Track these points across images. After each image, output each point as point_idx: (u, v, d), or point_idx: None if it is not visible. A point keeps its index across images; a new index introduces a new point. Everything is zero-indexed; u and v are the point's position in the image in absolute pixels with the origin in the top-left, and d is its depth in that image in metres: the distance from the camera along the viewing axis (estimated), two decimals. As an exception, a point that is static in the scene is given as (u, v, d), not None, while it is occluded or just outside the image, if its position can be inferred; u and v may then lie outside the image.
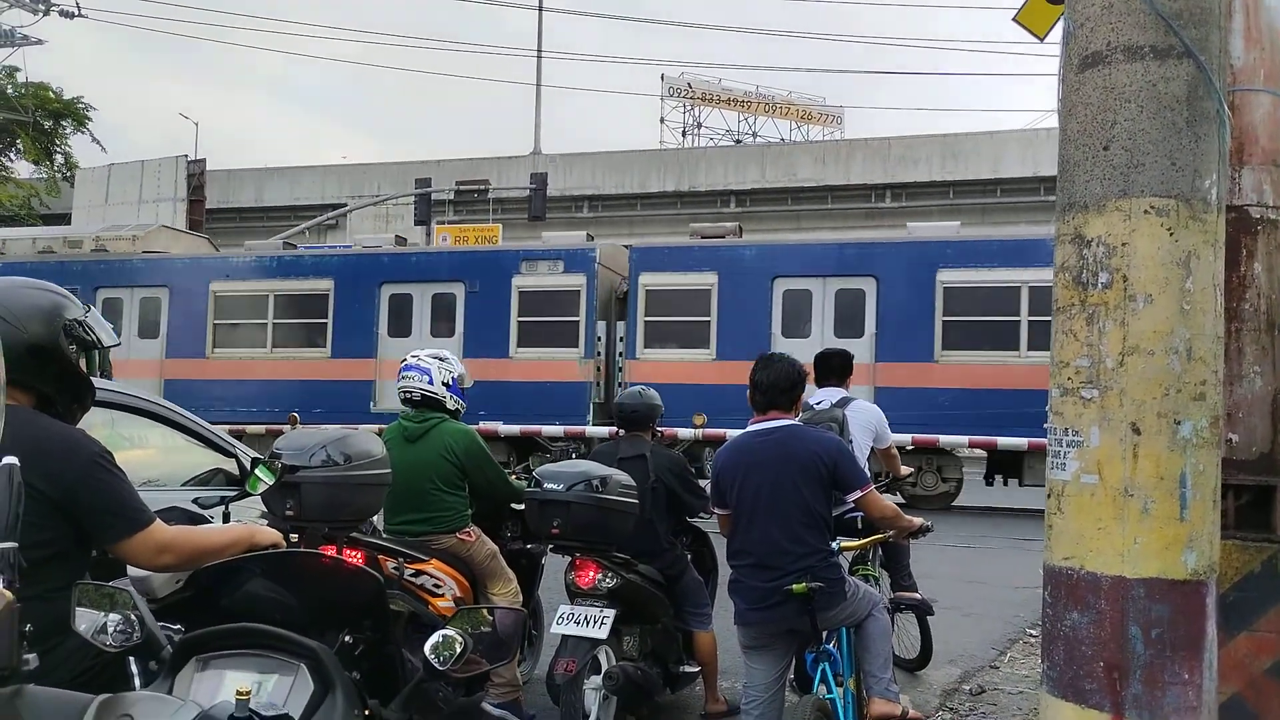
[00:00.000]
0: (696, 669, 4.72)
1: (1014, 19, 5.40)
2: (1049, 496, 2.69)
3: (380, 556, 3.89)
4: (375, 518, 4.11)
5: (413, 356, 4.62)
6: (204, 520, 3.16)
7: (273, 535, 2.49)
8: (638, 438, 4.96)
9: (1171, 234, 2.47)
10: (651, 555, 4.60)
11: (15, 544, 1.67)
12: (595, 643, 4.13)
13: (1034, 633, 6.48)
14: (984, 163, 28.25)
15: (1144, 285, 2.48)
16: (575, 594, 4.27)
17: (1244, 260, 4.01)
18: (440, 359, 4.60)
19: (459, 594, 4.24)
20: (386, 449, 3.20)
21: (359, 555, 3.67)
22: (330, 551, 3.39)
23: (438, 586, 4.18)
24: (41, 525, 2.09)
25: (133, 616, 1.91)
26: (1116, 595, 2.51)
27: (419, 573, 4.12)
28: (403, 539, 4.27)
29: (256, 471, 2.91)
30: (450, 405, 4.54)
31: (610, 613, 4.15)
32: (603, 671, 4.21)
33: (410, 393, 4.52)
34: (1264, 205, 4.05)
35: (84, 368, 2.29)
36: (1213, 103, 2.49)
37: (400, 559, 3.95)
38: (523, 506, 4.75)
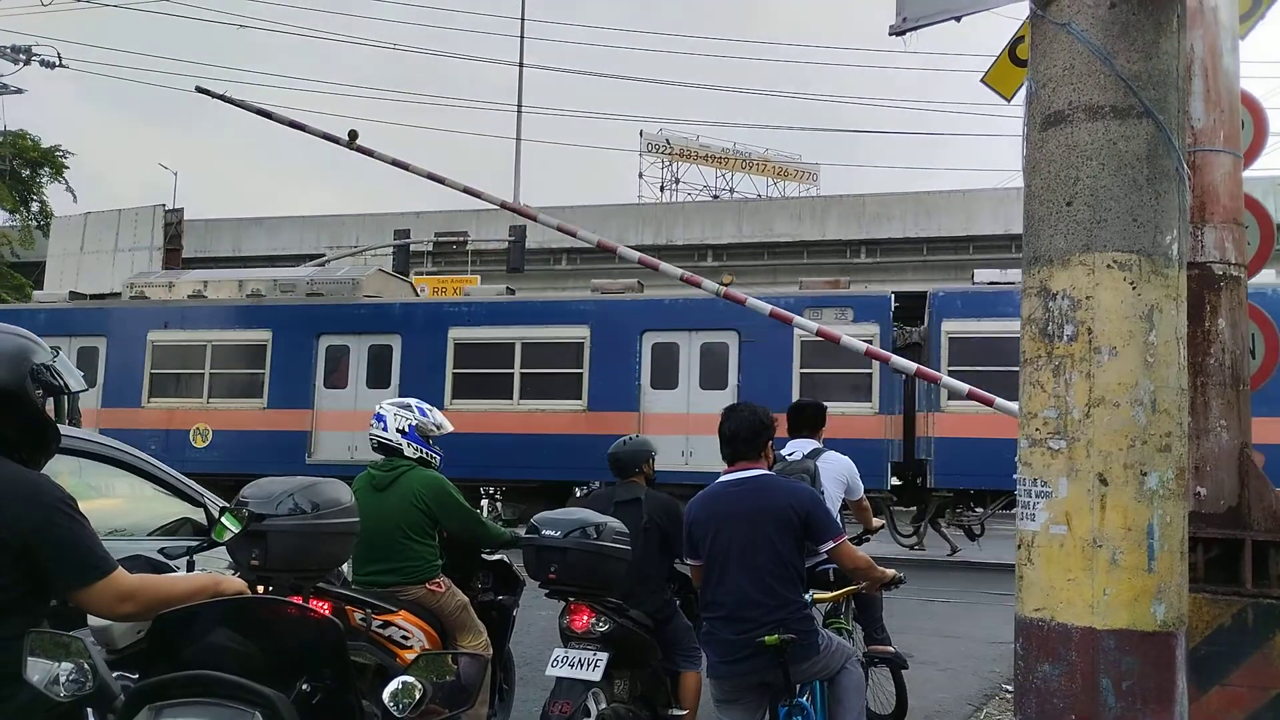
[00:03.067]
0: (683, 713, 4.69)
1: (982, 80, 5.56)
2: (1019, 547, 2.70)
3: (347, 607, 3.86)
4: (344, 568, 4.07)
5: (380, 405, 4.70)
6: (168, 570, 3.13)
7: (238, 584, 2.45)
8: (632, 483, 5.07)
9: (1134, 288, 2.51)
10: (642, 599, 4.61)
11: None
12: (588, 685, 4.21)
13: (1010, 688, 6.44)
14: (956, 220, 28.72)
15: (1108, 338, 2.52)
16: (569, 637, 4.33)
17: (1208, 316, 4.09)
18: (400, 406, 4.64)
19: (427, 645, 4.23)
20: (355, 498, 3.16)
21: (325, 606, 3.62)
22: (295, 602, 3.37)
23: (406, 638, 4.16)
24: (1, 571, 2.05)
25: (86, 665, 1.87)
26: (1087, 647, 2.51)
27: (387, 624, 4.10)
28: (371, 589, 4.25)
29: (223, 519, 2.85)
30: (408, 452, 4.55)
31: (603, 656, 4.22)
32: (594, 714, 4.28)
33: (373, 440, 4.60)
34: (1226, 262, 4.15)
35: (51, 413, 2.28)
36: (1172, 161, 2.56)
37: (368, 610, 3.93)
38: (496, 556, 4.80)
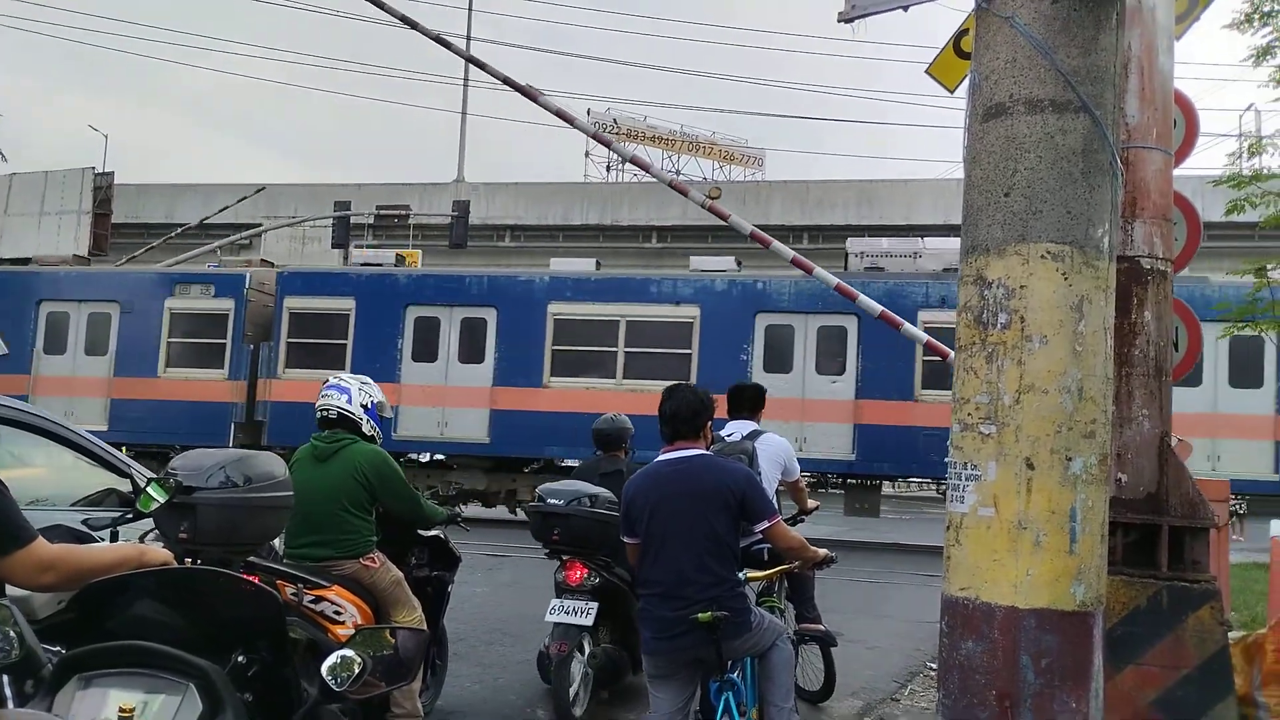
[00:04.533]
0: None
1: (926, 71, 5.64)
2: (948, 528, 2.77)
3: (279, 582, 3.74)
4: (276, 542, 3.99)
5: (334, 376, 4.61)
6: (91, 540, 3.02)
7: (163, 555, 2.40)
8: (615, 456, 5.92)
9: (1066, 279, 2.58)
10: (624, 558, 4.70)
11: None
12: (581, 629, 5.02)
13: (934, 666, 6.60)
14: (898, 208, 29.12)
15: (1040, 326, 2.59)
16: (564, 590, 5.10)
17: (1135, 308, 4.22)
18: (363, 381, 4.60)
19: (360, 621, 4.19)
20: (291, 470, 3.09)
21: (254, 580, 3.36)
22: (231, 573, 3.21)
23: (338, 613, 4.13)
24: None
25: (12, 633, 1.82)
26: (1009, 625, 2.59)
27: (319, 599, 4.07)
28: (303, 564, 4.19)
29: (148, 489, 2.77)
30: (365, 429, 4.52)
31: (594, 605, 5.02)
32: (587, 653, 5.09)
33: (327, 410, 4.48)
34: (1154, 257, 4.28)
35: None
36: (1106, 155, 2.63)
37: (299, 585, 3.90)
38: (433, 533, 4.94)
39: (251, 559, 3.36)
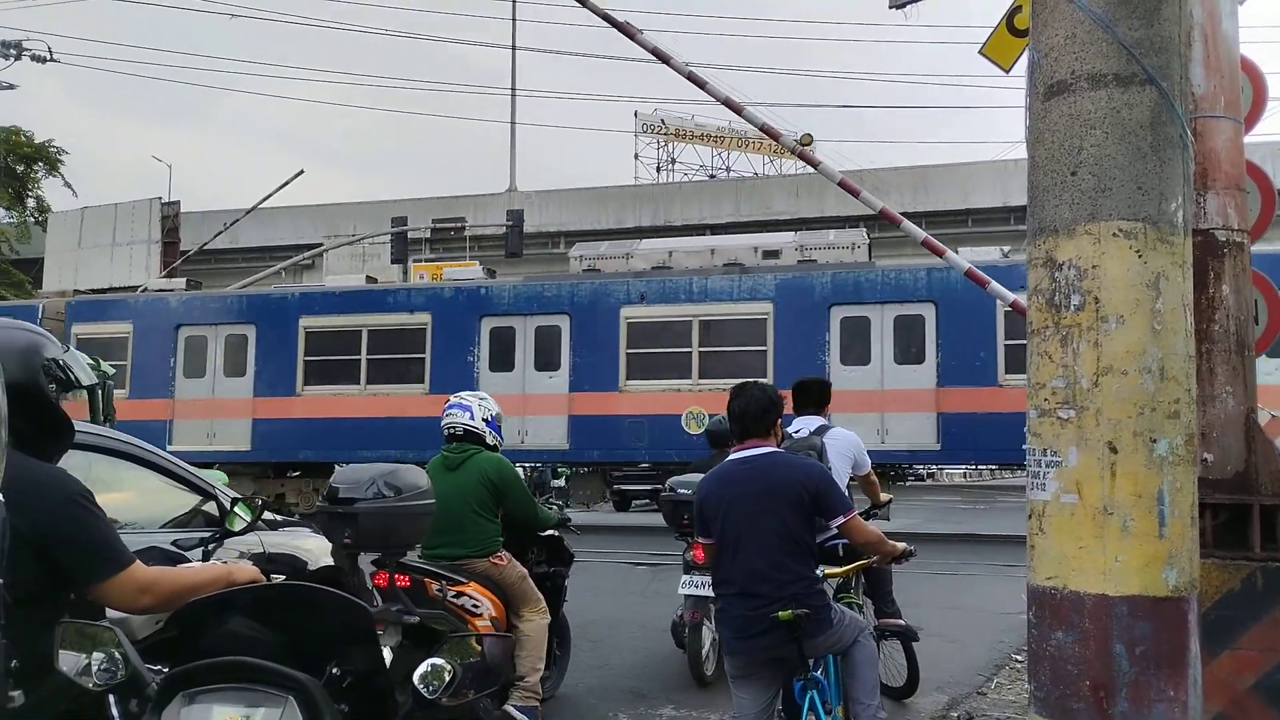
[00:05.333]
0: None
1: (980, 52, 5.53)
2: (1030, 517, 2.72)
3: (425, 580, 4.40)
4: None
5: (456, 396, 5.12)
6: (183, 561, 3.13)
7: (251, 573, 2.48)
8: (724, 453, 6.47)
9: (1140, 256, 2.52)
10: None
11: (2, 581, 1.64)
12: (708, 600, 5.57)
13: (1019, 658, 6.48)
14: (954, 193, 28.63)
15: (1115, 306, 2.53)
16: (692, 567, 5.88)
17: (1212, 283, 4.09)
18: (481, 398, 5.10)
19: (494, 614, 4.66)
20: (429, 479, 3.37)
21: (406, 580, 4.21)
22: (382, 578, 4.06)
23: (476, 607, 4.60)
24: (18, 565, 1.98)
25: (117, 654, 1.89)
26: (1100, 613, 2.53)
27: (460, 594, 4.56)
28: (439, 563, 4.62)
29: (236, 509, 2.88)
30: (489, 440, 4.99)
31: None
32: (712, 622, 5.64)
33: (453, 428, 4.98)
34: (1229, 228, 4.15)
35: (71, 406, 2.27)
36: (1175, 128, 2.56)
37: (443, 581, 4.48)
38: (549, 532, 5.44)
39: (402, 560, 4.00)
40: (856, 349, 14.38)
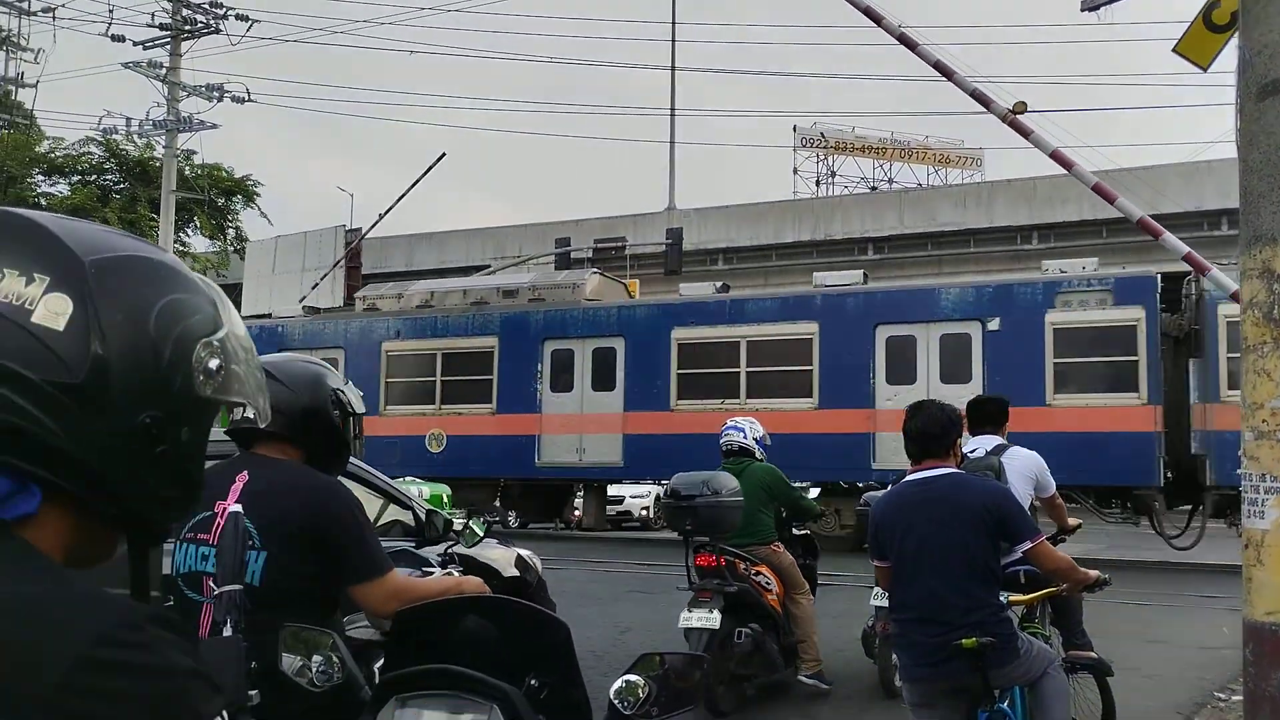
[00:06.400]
0: None
1: (1174, 50, 5.21)
2: (1246, 547, 2.54)
3: (736, 560, 5.69)
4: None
5: (731, 419, 6.60)
6: (427, 564, 3.75)
7: (477, 584, 2.71)
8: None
9: (1373, 265, 2.32)
10: None
11: (240, 586, 1.79)
12: None
13: (1222, 696, 6.02)
14: (1140, 198, 26.94)
15: (1345, 320, 2.33)
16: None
17: None
18: (750, 422, 6.52)
19: (778, 592, 5.89)
20: None
21: (721, 560, 5.58)
22: (707, 559, 5.56)
23: (768, 584, 5.82)
24: (301, 564, 2.34)
25: (335, 658, 2.01)
26: (1330, 654, 2.33)
27: (758, 573, 5.81)
28: (730, 549, 5.76)
29: (472, 524, 3.57)
30: (758, 454, 6.32)
31: None
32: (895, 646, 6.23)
33: (730, 444, 6.35)
34: None
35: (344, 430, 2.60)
36: None
37: (747, 563, 5.74)
38: (804, 531, 6.69)
39: (722, 545, 5.59)
40: (564, 378, 16.48)
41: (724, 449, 6.33)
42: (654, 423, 15.75)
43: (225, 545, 2.28)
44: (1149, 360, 13.00)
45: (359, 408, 2.65)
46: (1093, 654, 5.03)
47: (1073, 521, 5.47)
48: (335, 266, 24.36)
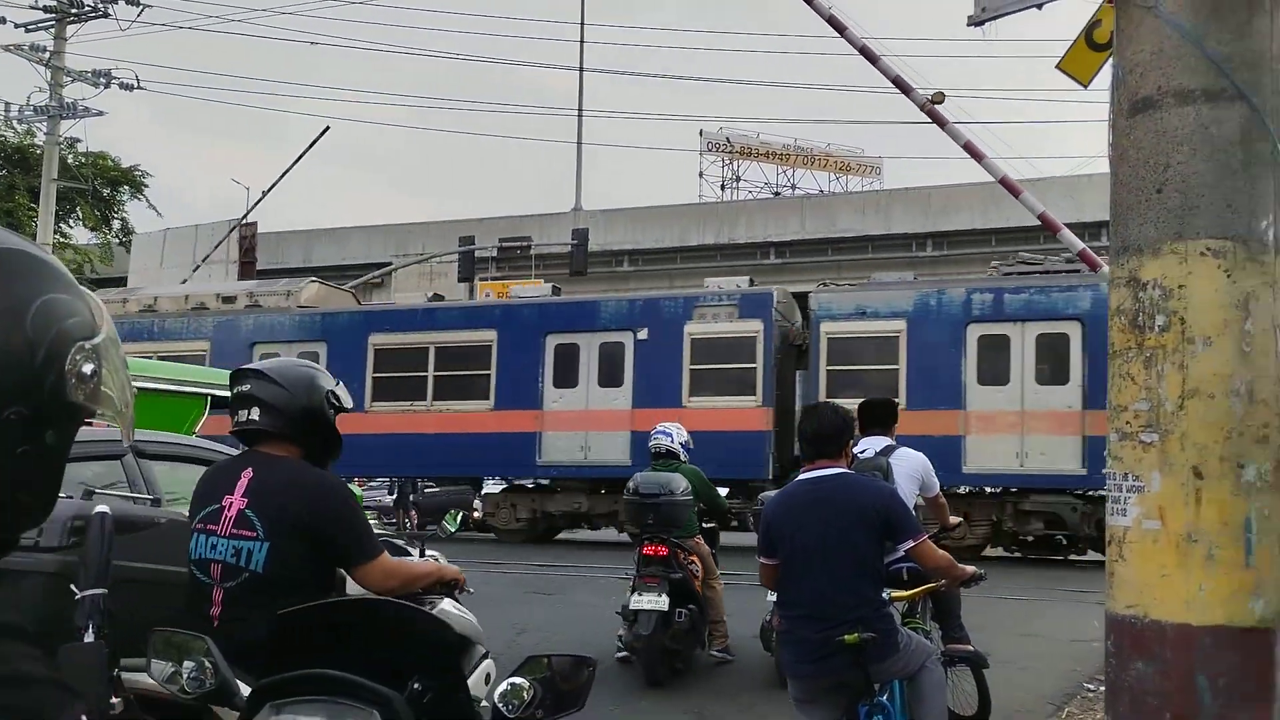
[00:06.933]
0: None
1: (1057, 67, 5.43)
2: (1110, 543, 2.65)
3: (678, 550, 6.38)
4: None
5: (661, 424, 7.26)
6: (407, 554, 3.92)
7: (454, 571, 3.04)
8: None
9: (1229, 276, 2.45)
10: None
11: (105, 590, 1.71)
12: None
13: (1091, 687, 6.29)
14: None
15: (1202, 328, 2.46)
16: None
17: (1302, 303, 3.96)
18: (677, 428, 7.21)
19: (700, 575, 6.57)
20: None
21: (664, 550, 6.26)
22: (654, 549, 6.24)
23: (696, 571, 6.53)
24: (301, 553, 2.61)
25: (207, 664, 1.94)
26: (1182, 644, 2.46)
27: (691, 561, 6.50)
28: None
29: (446, 518, 4.06)
30: (683, 456, 7.04)
31: None
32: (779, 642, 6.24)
33: (658, 446, 7.05)
34: (1320, 247, 4.01)
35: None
36: (1267, 144, 2.49)
37: (685, 553, 6.45)
38: (710, 524, 7.38)
39: (665, 537, 6.27)
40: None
41: (653, 451, 7.05)
42: (350, 424, 16.16)
43: (91, 547, 2.18)
44: (764, 367, 14.61)
45: (348, 404, 2.89)
46: (970, 647, 5.20)
47: (953, 520, 5.65)
48: (205, 262, 23.56)
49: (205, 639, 2.00)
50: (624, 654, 6.51)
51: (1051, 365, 13.37)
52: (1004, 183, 7.08)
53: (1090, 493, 12.50)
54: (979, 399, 13.46)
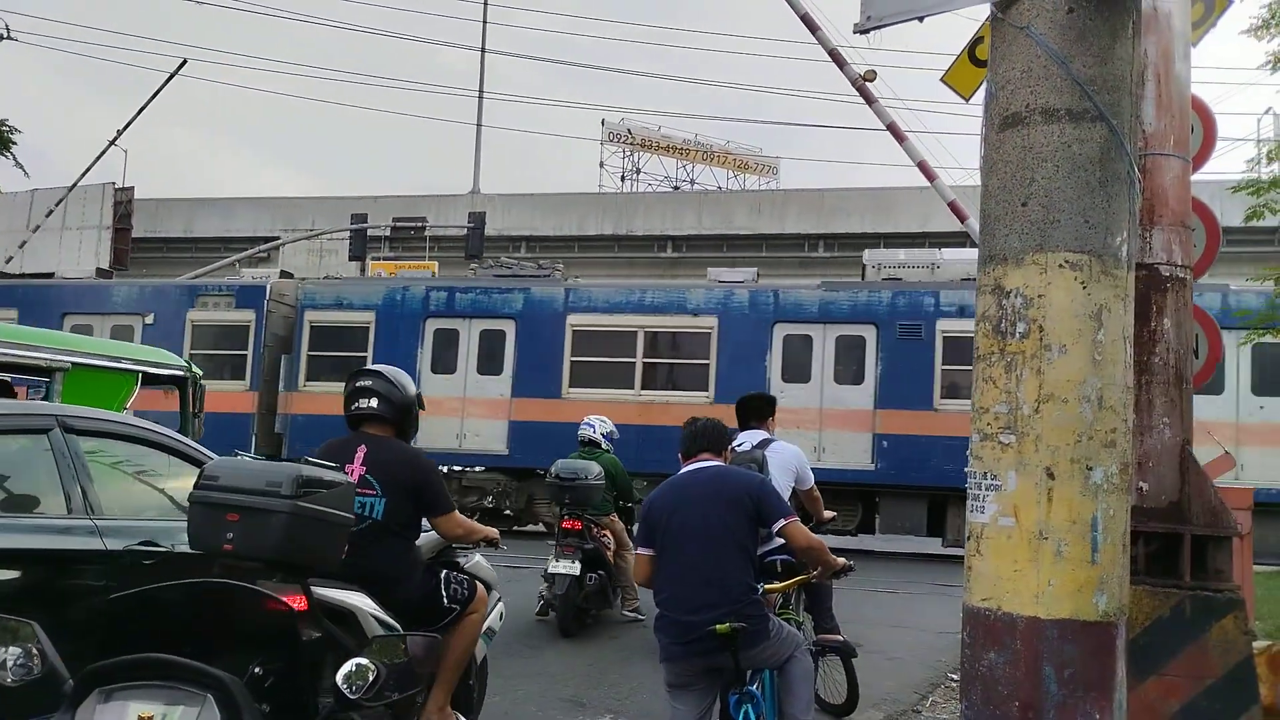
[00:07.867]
0: None
1: (942, 80, 5.63)
2: (969, 538, 2.76)
3: (592, 525, 7.56)
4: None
5: (588, 417, 8.41)
6: None
7: (495, 533, 4.07)
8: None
9: (1084, 287, 2.58)
10: None
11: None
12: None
13: (955, 677, 6.55)
14: (914, 216, 29.01)
15: (1059, 336, 2.58)
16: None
17: (1154, 316, 4.19)
18: (600, 419, 8.34)
19: (613, 548, 7.74)
20: None
21: (580, 524, 7.45)
22: (572, 524, 7.42)
23: (608, 543, 7.68)
24: (404, 506, 3.70)
25: (34, 650, 1.84)
26: (1031, 636, 2.58)
27: (602, 534, 7.65)
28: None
29: None
30: (604, 445, 8.17)
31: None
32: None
33: (584, 436, 8.19)
34: (1173, 264, 4.24)
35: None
36: (1124, 164, 2.62)
37: (597, 528, 7.61)
38: (630, 505, 8.12)
39: (570, 515, 7.47)
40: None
41: (580, 439, 8.20)
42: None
43: None
44: (254, 354, 16.00)
45: (420, 400, 3.95)
46: (840, 637, 5.37)
47: (827, 514, 5.81)
48: (37, 229, 22.32)
49: (33, 625, 1.90)
50: (542, 610, 7.64)
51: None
52: (921, 167, 7.32)
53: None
54: (431, 387, 14.50)
